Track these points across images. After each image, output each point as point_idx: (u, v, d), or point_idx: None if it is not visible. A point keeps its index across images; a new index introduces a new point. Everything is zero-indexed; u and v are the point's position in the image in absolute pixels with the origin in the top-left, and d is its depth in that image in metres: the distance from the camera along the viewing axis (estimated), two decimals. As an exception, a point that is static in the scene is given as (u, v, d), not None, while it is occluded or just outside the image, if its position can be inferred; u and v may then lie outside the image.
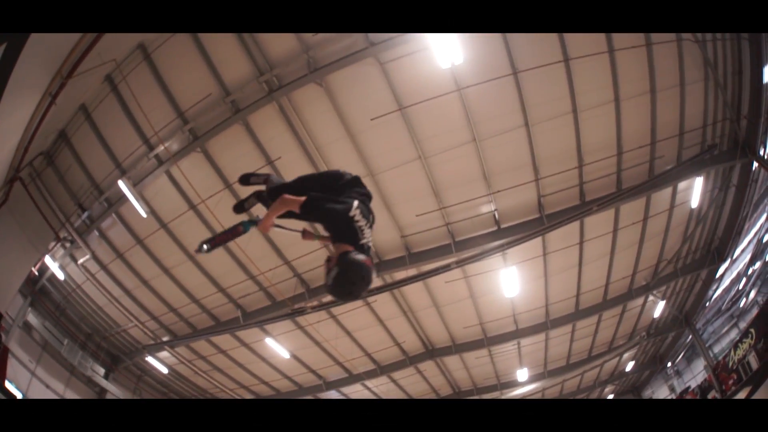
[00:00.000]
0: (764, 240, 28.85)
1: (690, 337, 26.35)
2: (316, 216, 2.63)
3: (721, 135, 15.85)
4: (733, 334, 34.66)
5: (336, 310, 16.18)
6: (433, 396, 24.06)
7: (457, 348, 19.52)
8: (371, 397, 23.07)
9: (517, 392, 22.53)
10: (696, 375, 34.17)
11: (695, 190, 15.88)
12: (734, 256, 24.17)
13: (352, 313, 16.87)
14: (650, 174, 14.52)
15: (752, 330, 22.38)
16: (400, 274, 14.69)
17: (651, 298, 21.02)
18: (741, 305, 35.81)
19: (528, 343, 20.56)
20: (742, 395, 15.40)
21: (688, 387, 31.91)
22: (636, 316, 22.92)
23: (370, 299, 15.93)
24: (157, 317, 16.98)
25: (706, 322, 31.54)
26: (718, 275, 23.11)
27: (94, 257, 14.59)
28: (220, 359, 19.77)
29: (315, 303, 15.46)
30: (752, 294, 35.41)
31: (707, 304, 27.01)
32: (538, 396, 27.70)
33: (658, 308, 21.94)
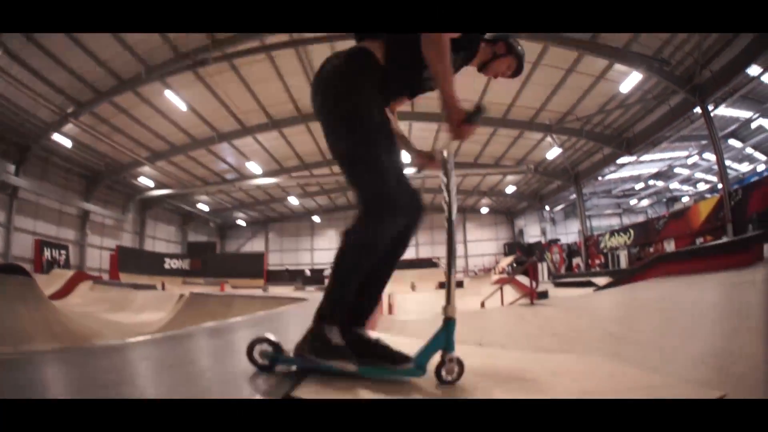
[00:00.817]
0: (675, 170, 31.27)
1: (573, 195, 29.79)
2: None
3: (680, 64, 16.95)
4: (614, 222, 39.35)
5: (238, 61, 16.98)
6: (319, 157, 26.51)
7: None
8: (260, 150, 25.00)
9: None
10: (568, 233, 39.12)
11: (630, 79, 17.43)
12: (641, 159, 26.77)
13: (253, 65, 17.55)
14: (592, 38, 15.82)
15: (632, 231, 25.90)
16: (308, 34, 15.19)
17: (549, 140, 23.84)
18: (631, 204, 39.67)
19: (420, 127, 22.36)
20: (600, 280, 18.68)
21: (558, 239, 36.51)
22: (530, 148, 25.78)
23: (274, 53, 16.75)
24: (63, 90, 17.31)
25: (593, 193, 35.09)
26: (619, 161, 25.79)
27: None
28: (122, 119, 20.50)
29: (217, 54, 16.16)
30: (645, 202, 39.25)
31: (599, 178, 30.53)
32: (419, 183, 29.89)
33: (552, 152, 24.78)
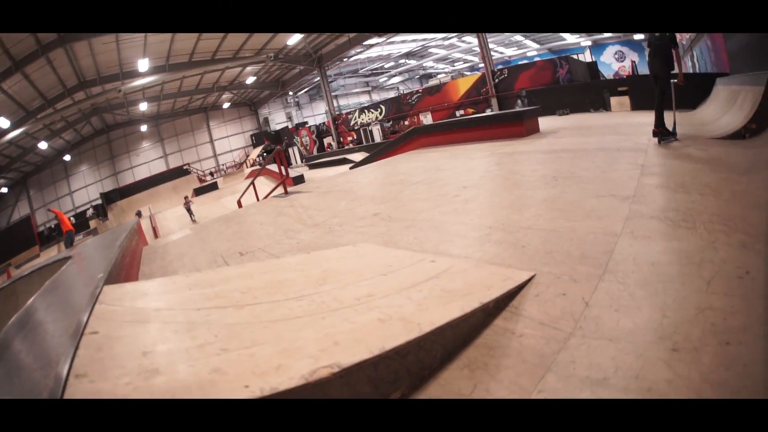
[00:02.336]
0: (429, 50, 33.74)
1: (318, 78, 29.17)
2: None
3: None
4: (364, 99, 40.91)
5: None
6: (60, 88, 21.60)
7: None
8: (5, 100, 19.11)
9: (137, 83, 21.56)
10: (315, 115, 39.44)
11: None
12: (391, 39, 27.36)
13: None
14: None
15: (383, 107, 26.29)
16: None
17: None
18: (380, 81, 41.72)
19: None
20: (356, 156, 17.98)
21: (306, 122, 36.03)
22: (270, 36, 23.36)
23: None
24: None
25: (338, 74, 35.55)
26: (367, 42, 25.83)
27: None
28: None
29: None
30: (396, 79, 41.91)
31: (345, 60, 30.71)
32: (157, 89, 27.40)
33: (294, 38, 23.27)
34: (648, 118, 6.25)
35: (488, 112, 18.92)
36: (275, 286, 2.25)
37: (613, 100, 14.31)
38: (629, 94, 13.94)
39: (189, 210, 18.08)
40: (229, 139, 37.50)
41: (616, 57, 38.37)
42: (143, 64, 20.55)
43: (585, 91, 15.82)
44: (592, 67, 21.54)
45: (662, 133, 5.67)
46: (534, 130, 7.90)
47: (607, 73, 33.62)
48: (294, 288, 2.15)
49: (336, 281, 2.24)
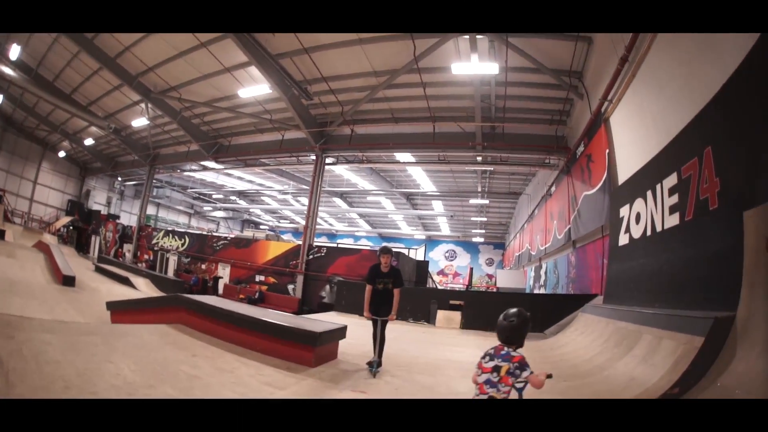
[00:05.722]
0: (263, 198, 31.60)
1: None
2: None
3: (323, 105, 16.75)
4: (183, 220, 37.01)
5: None
6: None
7: None
8: None
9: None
10: (133, 214, 33.10)
11: (255, 89, 15.18)
12: (229, 171, 25.51)
13: None
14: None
15: (188, 237, 23.48)
16: None
17: (143, 106, 19.54)
18: (205, 209, 37.82)
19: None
20: (140, 282, 15.19)
21: (118, 216, 32.66)
22: (124, 105, 20.95)
23: None
24: None
25: (168, 183, 32.29)
26: (204, 163, 23.79)
27: None
28: None
29: None
30: (220, 213, 38.75)
31: (178, 170, 27.67)
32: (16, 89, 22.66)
33: (140, 121, 20.71)
34: (484, 342, 5.20)
35: (290, 288, 17.50)
36: None
37: (440, 314, 12.52)
38: (463, 310, 12.32)
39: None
40: (50, 192, 30.59)
41: (446, 255, 42.03)
42: (15, 51, 16.95)
43: (408, 296, 12.67)
44: (422, 267, 20.22)
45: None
46: (329, 356, 5.72)
47: (433, 269, 36.25)
48: None
49: None
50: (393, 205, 32.67)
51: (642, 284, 7.00)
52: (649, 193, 7.05)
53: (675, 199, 6.03)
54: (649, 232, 6.99)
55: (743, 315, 3.93)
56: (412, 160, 19.71)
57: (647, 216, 7.12)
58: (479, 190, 26.07)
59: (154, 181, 26.93)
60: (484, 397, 2.25)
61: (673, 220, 6.07)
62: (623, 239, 8.29)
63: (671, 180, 6.16)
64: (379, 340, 5.47)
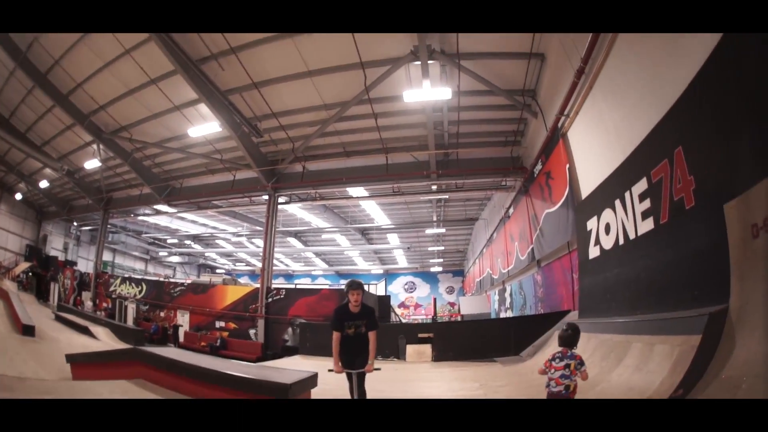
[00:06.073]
0: (218, 242, 31.36)
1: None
2: None
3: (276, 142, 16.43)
4: (139, 266, 35.31)
5: None
6: None
7: None
8: None
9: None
10: (90, 260, 31.81)
11: (205, 127, 14.48)
12: (182, 215, 24.78)
13: None
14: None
15: (144, 285, 22.49)
16: None
17: (95, 147, 18.86)
18: (160, 254, 36.81)
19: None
20: (99, 331, 14.51)
21: (75, 263, 29.86)
22: (78, 146, 19.76)
23: None
24: None
25: (123, 228, 31.02)
26: (157, 206, 23.01)
27: None
28: None
29: None
30: (176, 258, 37.46)
31: (133, 215, 26.50)
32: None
33: (92, 162, 19.24)
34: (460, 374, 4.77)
35: (251, 333, 16.70)
36: None
37: (410, 348, 12.13)
38: (433, 342, 12.07)
39: None
40: (9, 236, 28.38)
41: (405, 287, 41.68)
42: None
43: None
44: (385, 302, 19.66)
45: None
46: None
47: (394, 302, 35.71)
48: None
49: None
50: (348, 241, 32.31)
51: (619, 294, 6.94)
52: (617, 203, 7.09)
53: (647, 204, 6.05)
54: (621, 241, 6.98)
55: (737, 305, 3.85)
56: (366, 194, 19.51)
57: (618, 225, 7.14)
58: (434, 219, 26.14)
59: (108, 226, 25.57)
60: (560, 388, 3.36)
61: (647, 226, 6.07)
62: (594, 252, 8.29)
63: (641, 185, 6.19)
64: (357, 398, 4.37)
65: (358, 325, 4.50)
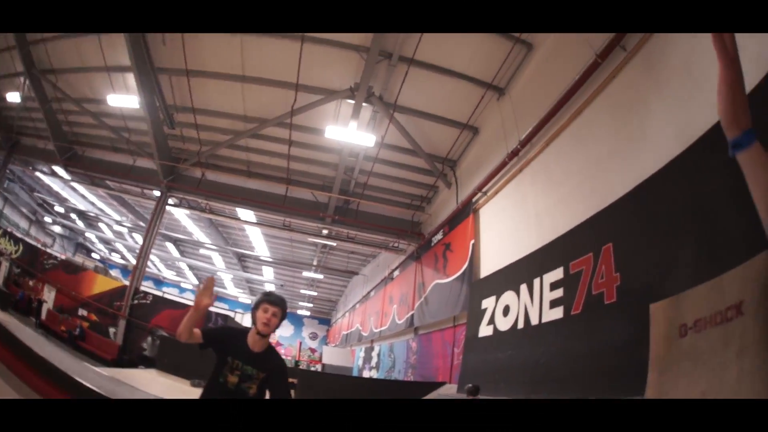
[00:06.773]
0: (100, 225, 28.36)
1: None
2: None
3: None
4: (23, 226, 30.98)
5: None
6: None
7: None
8: None
9: None
10: None
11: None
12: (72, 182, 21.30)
13: None
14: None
15: (22, 245, 19.91)
16: None
17: None
18: (47, 220, 33.10)
19: None
20: None
21: None
22: None
23: None
24: None
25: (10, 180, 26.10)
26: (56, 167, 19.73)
27: None
28: None
29: None
30: (58, 228, 34.20)
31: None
32: None
33: None
34: None
35: (111, 331, 14.82)
36: None
37: None
38: (295, 389, 10.61)
39: None
40: None
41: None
42: None
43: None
44: None
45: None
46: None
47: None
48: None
49: None
50: (224, 263, 30.75)
51: (512, 376, 6.94)
52: (523, 287, 7.29)
53: (559, 293, 6.24)
54: (521, 325, 7.11)
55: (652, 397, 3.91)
56: (254, 220, 18.54)
57: (519, 309, 7.29)
58: (315, 263, 25.47)
59: (7, 171, 21.26)
60: None
61: (554, 314, 6.23)
62: (485, 330, 8.37)
63: (555, 274, 6.42)
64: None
65: (250, 374, 2.69)
